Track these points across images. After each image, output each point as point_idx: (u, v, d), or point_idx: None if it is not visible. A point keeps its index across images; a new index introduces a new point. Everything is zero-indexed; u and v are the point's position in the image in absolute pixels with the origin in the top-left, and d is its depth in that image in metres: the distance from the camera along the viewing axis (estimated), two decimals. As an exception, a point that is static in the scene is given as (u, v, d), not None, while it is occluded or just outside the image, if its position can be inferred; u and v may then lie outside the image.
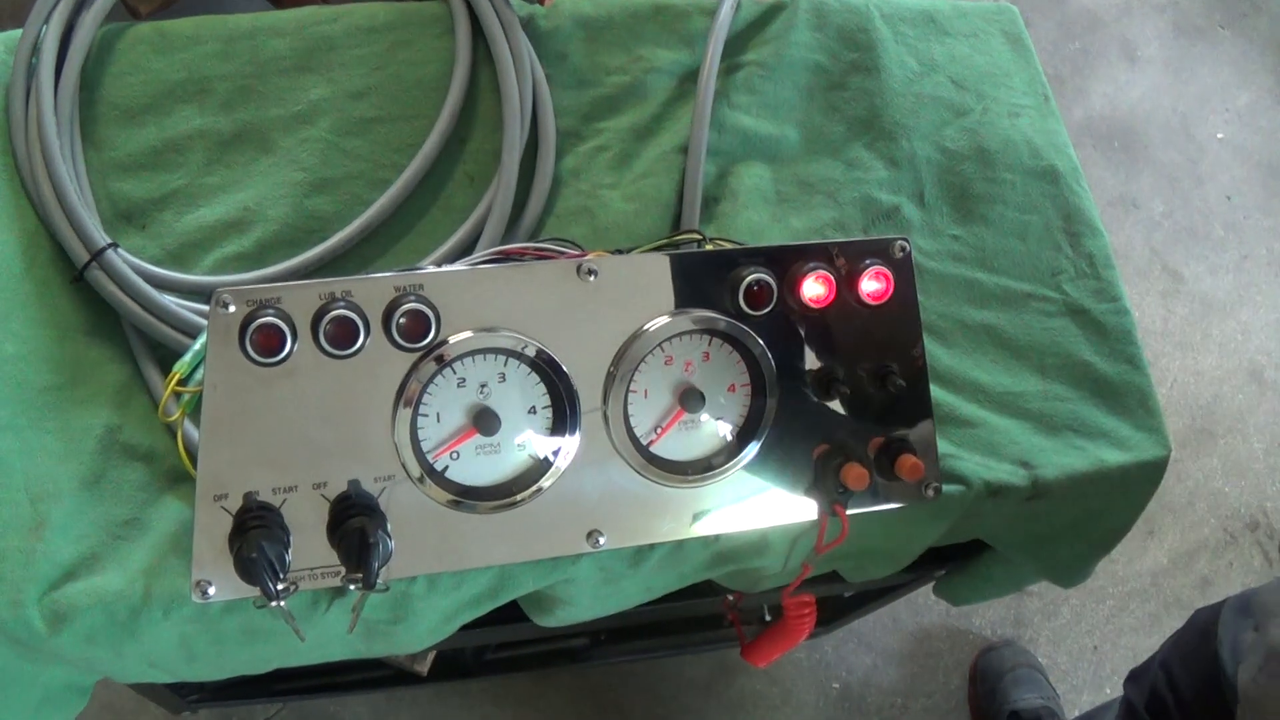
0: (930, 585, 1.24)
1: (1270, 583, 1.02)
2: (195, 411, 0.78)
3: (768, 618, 1.36)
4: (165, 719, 1.44)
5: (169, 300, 0.81)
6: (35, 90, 0.84)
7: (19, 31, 0.87)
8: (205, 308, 0.81)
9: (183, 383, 0.77)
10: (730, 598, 1.08)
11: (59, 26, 0.87)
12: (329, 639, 0.80)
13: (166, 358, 0.81)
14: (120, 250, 0.81)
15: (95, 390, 0.80)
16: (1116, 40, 2.46)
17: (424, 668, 1.36)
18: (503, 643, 1.39)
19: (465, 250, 0.87)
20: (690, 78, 0.99)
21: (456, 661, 1.41)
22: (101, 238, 0.81)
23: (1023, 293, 0.98)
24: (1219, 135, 2.38)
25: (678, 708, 1.62)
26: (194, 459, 0.76)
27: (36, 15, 0.87)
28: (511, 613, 0.89)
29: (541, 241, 0.84)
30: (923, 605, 1.77)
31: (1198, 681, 1.09)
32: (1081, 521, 0.94)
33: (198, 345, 0.77)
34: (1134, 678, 1.27)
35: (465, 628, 0.86)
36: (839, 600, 1.41)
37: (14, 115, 0.85)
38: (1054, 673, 1.76)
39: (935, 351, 0.91)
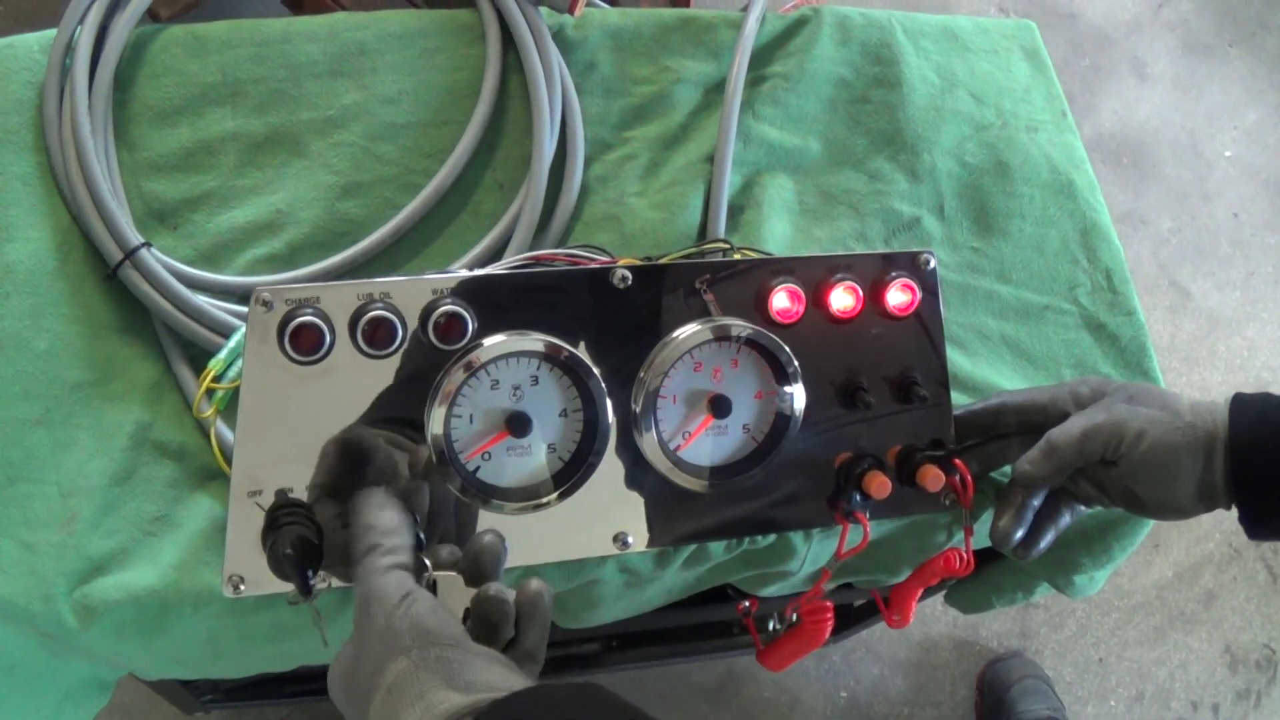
0: (938, 595, 1.25)
1: None
2: (228, 409, 0.79)
3: (777, 626, 1.36)
4: (178, 718, 1.44)
5: (202, 300, 0.81)
6: (70, 90, 0.85)
7: (52, 31, 0.88)
8: (238, 308, 0.82)
9: (217, 380, 0.78)
10: (745, 604, 1.08)
11: (93, 27, 0.87)
12: (354, 638, 0.81)
13: (198, 356, 0.82)
14: (153, 249, 0.82)
15: (127, 387, 0.80)
16: (1126, 58, 2.48)
17: (435, 670, 1.36)
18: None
19: (494, 255, 0.88)
20: (716, 89, 1.00)
21: (468, 664, 1.41)
22: (135, 236, 0.82)
23: (1041, 305, 0.99)
24: (1227, 153, 2.40)
25: (687, 715, 1.62)
26: (226, 456, 0.77)
27: (70, 16, 0.88)
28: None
29: (571, 248, 0.85)
30: (930, 616, 1.77)
31: None
32: (1093, 531, 0.95)
33: (232, 343, 0.78)
34: None
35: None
36: (848, 609, 1.42)
37: (48, 114, 0.85)
38: (1059, 684, 1.77)
39: (956, 359, 0.92)
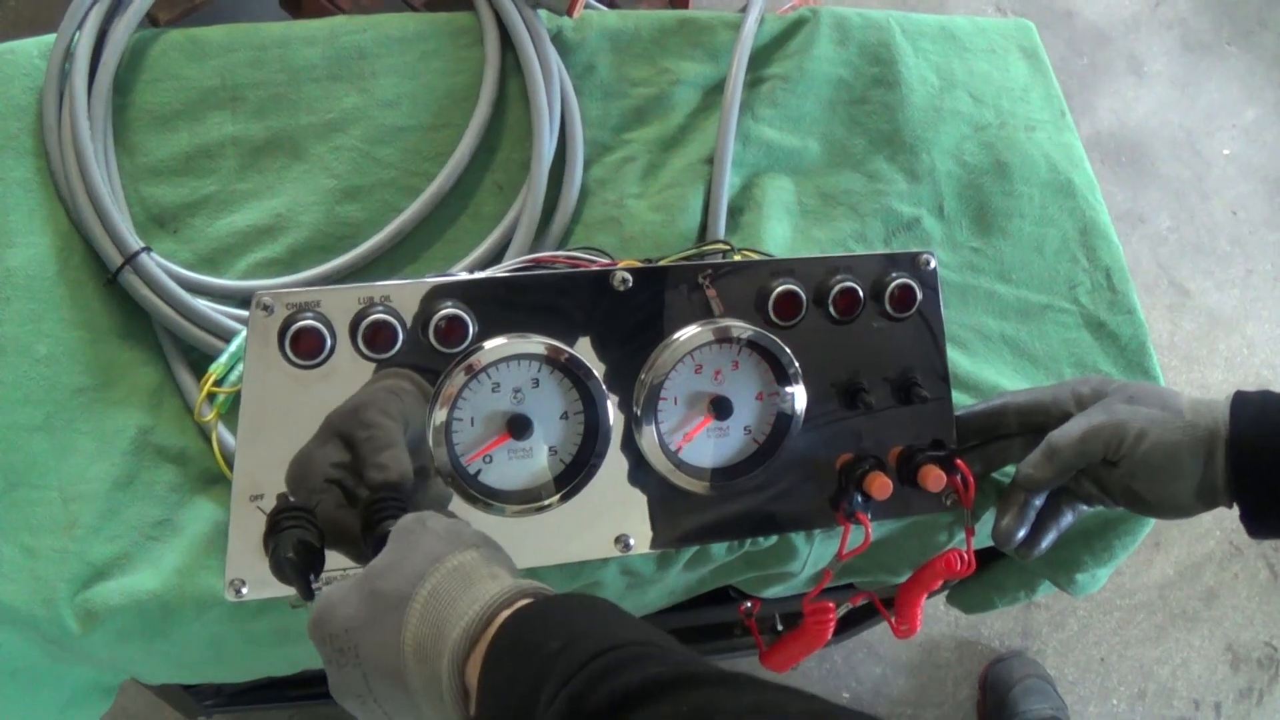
0: (940, 596, 1.24)
1: None
2: (229, 413, 0.79)
3: (780, 627, 1.36)
4: (179, 723, 1.44)
5: (202, 304, 0.81)
6: (69, 95, 0.85)
7: (51, 36, 0.88)
8: (238, 311, 0.82)
9: (218, 384, 0.78)
10: (747, 605, 1.09)
11: (92, 32, 0.87)
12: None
13: (199, 361, 0.82)
14: (153, 254, 0.82)
15: (128, 392, 0.80)
16: (1124, 56, 2.48)
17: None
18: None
19: (494, 258, 0.88)
20: (715, 90, 1.00)
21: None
22: (135, 241, 0.82)
23: (1041, 304, 0.99)
24: (1225, 151, 2.40)
25: (688, 715, 1.62)
26: (228, 460, 0.77)
27: (69, 21, 0.88)
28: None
29: (571, 250, 0.85)
30: (931, 616, 1.77)
31: None
32: (1095, 529, 0.95)
33: (233, 347, 0.78)
34: None
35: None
36: (849, 610, 1.42)
37: (47, 119, 0.85)
38: (1061, 684, 1.77)
39: (956, 358, 0.92)
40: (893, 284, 0.80)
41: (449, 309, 0.71)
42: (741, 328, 0.77)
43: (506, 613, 0.52)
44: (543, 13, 0.96)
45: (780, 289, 0.77)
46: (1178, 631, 1.88)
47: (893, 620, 0.93)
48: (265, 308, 0.69)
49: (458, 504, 0.74)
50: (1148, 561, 1.92)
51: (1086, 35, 2.49)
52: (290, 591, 0.70)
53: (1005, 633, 1.80)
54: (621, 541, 0.77)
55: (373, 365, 0.71)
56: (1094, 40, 2.48)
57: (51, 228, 0.83)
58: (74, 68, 0.86)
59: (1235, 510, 0.76)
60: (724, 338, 0.77)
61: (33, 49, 0.89)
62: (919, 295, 0.81)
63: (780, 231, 0.94)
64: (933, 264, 0.82)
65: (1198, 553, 1.95)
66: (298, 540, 0.68)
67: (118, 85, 0.89)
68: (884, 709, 1.69)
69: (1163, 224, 2.28)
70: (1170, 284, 2.21)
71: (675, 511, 0.79)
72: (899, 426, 0.82)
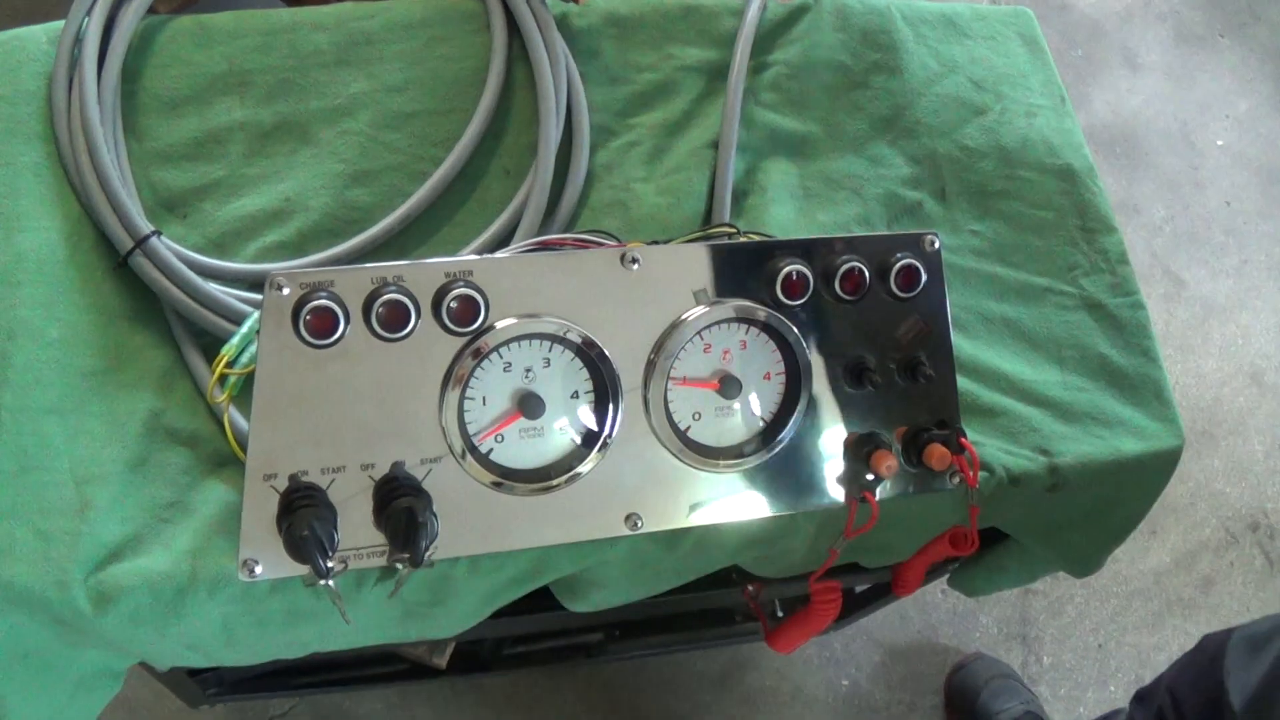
0: (939, 582, 1.25)
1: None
2: (241, 394, 0.79)
3: (780, 613, 1.37)
4: (182, 712, 1.44)
5: (213, 287, 0.82)
6: (78, 80, 0.85)
7: (60, 23, 0.89)
8: (249, 295, 0.83)
9: (230, 365, 0.78)
10: (750, 588, 1.09)
11: (100, 19, 0.88)
12: (369, 622, 0.82)
13: (209, 344, 0.82)
14: (163, 238, 0.83)
15: (139, 375, 0.81)
16: (1118, 48, 2.49)
17: (442, 661, 1.37)
18: (520, 636, 1.40)
19: (502, 241, 0.88)
20: (719, 75, 1.01)
21: (474, 655, 1.42)
22: (145, 225, 0.82)
23: (1041, 287, 1.00)
24: (1219, 142, 2.41)
25: (690, 703, 1.63)
26: (240, 442, 0.77)
27: (78, 8, 0.88)
28: (538, 601, 0.90)
29: (579, 233, 0.86)
30: (930, 603, 1.78)
31: (1203, 709, 1.10)
32: (1097, 509, 0.96)
33: (245, 328, 0.78)
34: (1140, 698, 1.27)
35: (493, 615, 0.88)
36: (850, 595, 1.43)
37: (57, 105, 0.86)
38: (1059, 670, 1.78)
39: (958, 342, 0.93)
40: (898, 264, 0.81)
41: (461, 289, 0.72)
42: (750, 308, 0.78)
43: None
44: (548, -2, 0.97)
45: (788, 269, 0.78)
46: (1174, 619, 1.89)
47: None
48: (279, 287, 0.70)
49: (470, 483, 0.75)
50: (1144, 549, 1.93)
51: (1081, 27, 2.50)
52: (303, 571, 0.71)
53: (1003, 619, 1.81)
54: (632, 520, 0.78)
55: (385, 345, 0.72)
56: (1088, 32, 2.50)
57: (62, 212, 0.84)
58: (83, 53, 0.86)
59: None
60: (732, 318, 0.78)
61: (41, 35, 0.89)
62: (924, 275, 0.82)
63: (785, 214, 0.95)
64: (937, 244, 0.83)
65: (1194, 540, 1.96)
66: (312, 519, 0.69)
67: (126, 71, 0.89)
68: (882, 695, 1.70)
69: (1157, 214, 2.29)
70: (1165, 274, 2.23)
71: (684, 490, 0.79)
72: (905, 406, 0.83)
